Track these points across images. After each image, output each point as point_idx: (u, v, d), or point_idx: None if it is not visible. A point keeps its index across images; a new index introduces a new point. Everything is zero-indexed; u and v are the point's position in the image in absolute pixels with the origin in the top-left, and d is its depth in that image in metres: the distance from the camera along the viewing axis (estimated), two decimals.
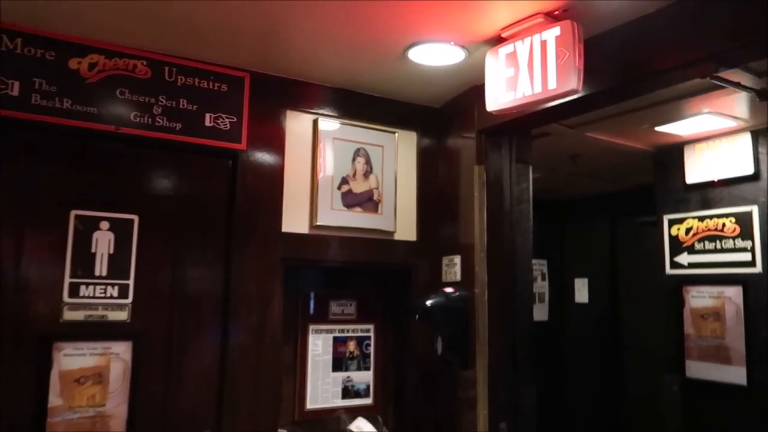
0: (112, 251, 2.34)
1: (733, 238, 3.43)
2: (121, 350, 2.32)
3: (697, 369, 3.57)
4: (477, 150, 2.78)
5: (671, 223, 3.78)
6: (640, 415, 4.93)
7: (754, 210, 3.34)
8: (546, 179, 4.57)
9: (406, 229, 3.00)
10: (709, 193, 3.59)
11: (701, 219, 3.60)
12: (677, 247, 3.73)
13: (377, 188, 2.92)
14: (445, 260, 2.95)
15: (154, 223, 2.44)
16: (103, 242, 2.33)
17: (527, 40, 2.14)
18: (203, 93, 2.53)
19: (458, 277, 2.84)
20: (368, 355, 3.05)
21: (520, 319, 2.84)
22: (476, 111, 2.78)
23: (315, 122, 2.80)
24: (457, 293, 2.77)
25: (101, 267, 2.32)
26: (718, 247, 3.50)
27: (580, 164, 4.22)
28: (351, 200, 2.84)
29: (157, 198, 2.47)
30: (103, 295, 2.31)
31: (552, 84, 2.04)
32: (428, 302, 2.74)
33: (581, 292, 5.55)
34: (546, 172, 4.37)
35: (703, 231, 3.58)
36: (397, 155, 3.00)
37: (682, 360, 3.66)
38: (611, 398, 5.20)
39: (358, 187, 2.87)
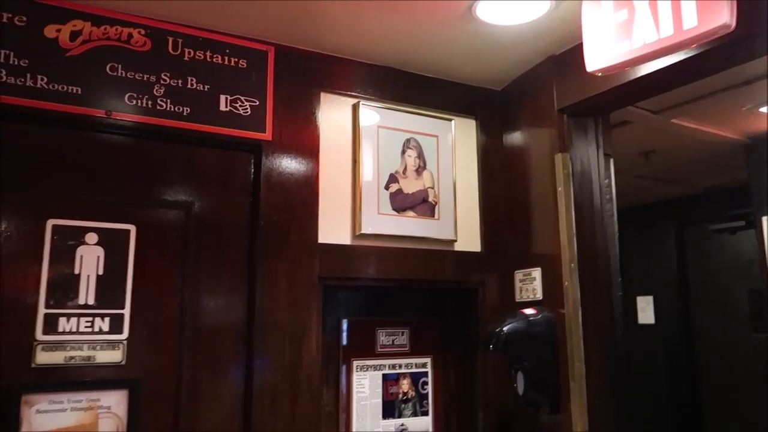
0: (101, 272, 1.80)
1: None
2: (113, 402, 1.75)
3: None
4: (559, 134, 2.21)
5: None
6: None
7: None
8: None
9: (468, 238, 2.43)
10: None
11: None
12: None
13: (432, 187, 2.36)
14: (519, 275, 2.36)
15: (157, 236, 1.90)
16: (89, 260, 1.79)
17: None
18: (217, 70, 2.01)
19: (539, 295, 2.25)
20: (426, 396, 2.45)
21: (618, 347, 2.24)
22: (555, 87, 2.23)
23: (355, 107, 2.26)
24: (540, 315, 2.18)
25: (87, 293, 1.77)
26: None
27: (653, 163, 3.63)
28: (402, 202, 2.28)
29: (160, 203, 1.93)
30: (89, 329, 1.76)
31: (690, 21, 1.48)
32: (505, 328, 2.15)
33: (645, 311, 4.90)
34: None
35: None
36: (455, 147, 2.44)
37: None
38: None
39: (410, 186, 2.32)
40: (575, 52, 2.16)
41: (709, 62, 1.79)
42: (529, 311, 2.21)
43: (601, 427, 2.08)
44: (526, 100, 2.40)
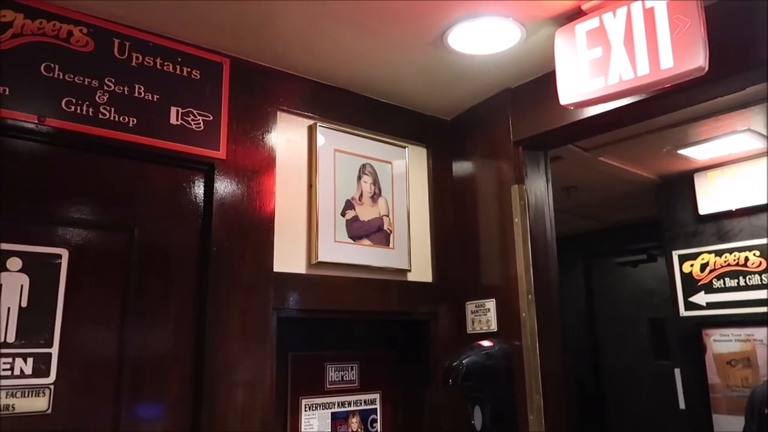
0: (24, 304, 1.53)
1: (760, 273, 3.09)
2: None
3: (728, 424, 3.14)
4: (515, 166, 2.23)
5: (682, 259, 3.41)
6: None
7: None
8: None
9: (421, 268, 2.37)
10: (725, 225, 3.26)
11: (719, 253, 3.26)
12: (692, 285, 3.35)
13: (387, 215, 2.29)
14: (471, 306, 2.34)
15: (93, 262, 1.65)
16: (10, 290, 1.51)
17: (621, 10, 1.65)
18: (168, 79, 1.83)
19: (493, 327, 2.23)
20: None
21: (569, 378, 2.27)
22: (511, 120, 2.27)
23: (312, 129, 2.15)
24: (498, 347, 2.16)
25: (6, 329, 1.49)
26: (742, 283, 3.15)
27: (573, 197, 3.81)
28: (358, 230, 2.18)
29: (98, 225, 1.68)
30: (8, 372, 1.47)
31: (667, 62, 1.55)
32: (465, 361, 2.09)
33: None
34: None
35: (723, 266, 3.23)
36: (409, 174, 2.39)
37: (708, 415, 3.22)
38: None
39: (366, 213, 2.23)
40: (531, 86, 2.22)
41: (665, 103, 1.90)
42: (485, 343, 2.18)
43: None
44: (480, 131, 2.41)
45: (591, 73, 1.70)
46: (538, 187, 2.30)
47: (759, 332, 3.06)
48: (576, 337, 4.94)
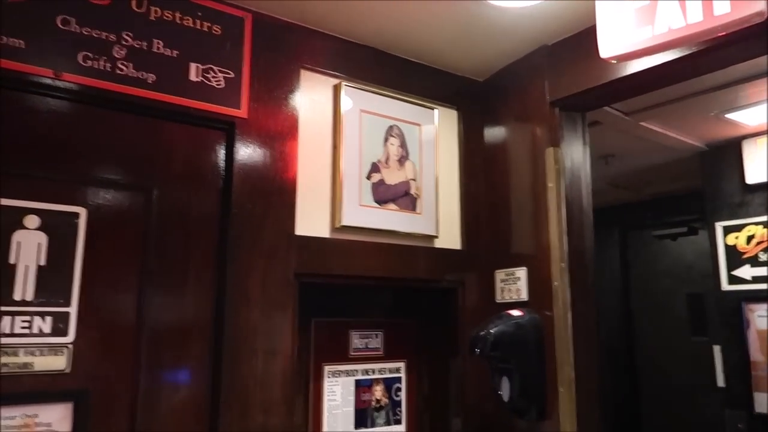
0: (43, 263, 1.50)
1: None
2: (55, 418, 1.47)
3: None
4: (550, 128, 2.12)
5: (727, 230, 3.24)
6: None
7: None
8: None
9: (449, 235, 2.29)
10: None
11: (767, 225, 3.08)
12: (736, 258, 3.18)
13: (414, 179, 2.20)
14: (500, 274, 2.25)
15: (112, 222, 1.62)
16: (28, 248, 1.49)
17: None
18: (188, 34, 1.76)
19: (523, 296, 2.15)
20: (399, 404, 2.28)
21: (603, 351, 2.17)
22: (547, 79, 2.14)
23: (337, 88, 2.06)
24: (527, 317, 2.08)
25: (25, 287, 1.47)
26: None
27: (611, 167, 3.65)
28: (384, 194, 2.11)
29: (117, 184, 1.65)
30: (27, 330, 1.46)
31: (723, 7, 1.41)
32: (493, 330, 2.02)
33: None
34: None
35: None
36: (438, 137, 2.29)
37: (748, 393, 3.08)
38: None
39: (392, 177, 2.15)
40: (569, 43, 2.08)
41: (718, 57, 1.75)
42: (515, 313, 2.10)
43: None
44: (513, 92, 2.29)
45: (636, 23, 1.57)
46: (575, 151, 2.17)
47: None
48: (611, 311, 4.82)
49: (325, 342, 2.15)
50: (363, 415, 2.18)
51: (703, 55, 1.71)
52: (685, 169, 3.58)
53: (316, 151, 2.00)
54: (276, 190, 1.86)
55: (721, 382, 3.39)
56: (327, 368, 2.13)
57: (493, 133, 2.38)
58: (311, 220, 1.94)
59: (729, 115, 2.81)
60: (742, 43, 1.62)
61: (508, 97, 2.32)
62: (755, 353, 3.08)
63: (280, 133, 1.89)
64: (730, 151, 3.22)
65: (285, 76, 1.93)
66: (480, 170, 2.39)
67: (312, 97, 2.01)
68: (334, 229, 1.99)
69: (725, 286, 3.22)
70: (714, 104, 2.72)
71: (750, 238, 3.13)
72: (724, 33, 1.46)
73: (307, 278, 1.91)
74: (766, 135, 3.06)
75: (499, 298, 2.25)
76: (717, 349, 3.43)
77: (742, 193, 3.19)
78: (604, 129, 3.01)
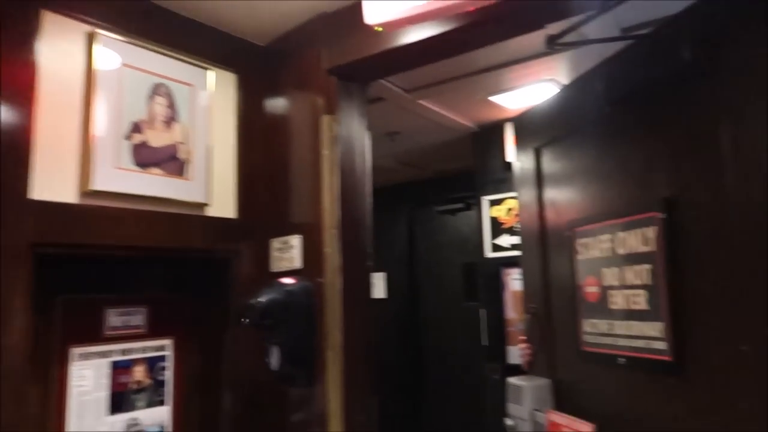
0: None
1: None
2: None
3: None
4: (326, 96, 2.12)
5: (491, 204, 3.61)
6: (447, 408, 4.79)
7: None
8: None
9: (222, 203, 2.18)
10: None
11: None
12: (497, 228, 3.57)
13: (184, 143, 2.05)
14: (275, 243, 2.22)
15: None
16: None
17: None
18: None
19: (297, 264, 2.14)
20: (163, 383, 2.14)
21: (373, 315, 2.26)
22: (324, 46, 2.13)
23: (91, 37, 1.82)
24: (299, 285, 2.07)
25: None
26: None
27: (397, 144, 3.83)
28: (146, 157, 1.92)
29: None
30: None
31: None
32: (262, 299, 1.98)
33: (378, 287, 5.22)
34: None
35: None
36: (212, 100, 2.16)
37: (503, 347, 3.49)
38: (415, 395, 4.97)
39: (157, 139, 1.97)
40: (347, 12, 2.09)
41: (472, 35, 1.88)
42: (287, 281, 2.08)
43: (357, 398, 2.06)
44: (293, 58, 2.25)
45: None
46: (352, 121, 2.21)
47: None
48: (399, 283, 5.11)
49: (75, 322, 1.92)
50: (120, 398, 2.00)
51: (466, 31, 1.82)
52: (462, 149, 3.90)
53: (63, 106, 1.74)
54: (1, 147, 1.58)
55: (485, 340, 3.80)
56: (76, 351, 1.90)
57: (274, 99, 2.32)
58: (53, 184, 1.70)
59: (492, 98, 3.10)
60: (494, 24, 1.76)
61: (289, 64, 2.27)
62: (510, 312, 3.49)
63: (11, 83, 1.61)
64: (495, 132, 3.57)
65: (18, 17, 1.64)
66: (258, 137, 2.31)
67: (57, 45, 1.74)
68: (84, 194, 1.76)
69: (488, 253, 3.59)
70: (480, 87, 2.98)
71: (509, 210, 3.53)
72: (472, 8, 1.57)
73: (48, 249, 1.67)
74: None
75: (274, 268, 2.22)
76: (483, 312, 3.84)
77: (503, 170, 3.57)
78: (387, 105, 3.13)
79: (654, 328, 1.48)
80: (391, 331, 5.10)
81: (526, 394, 1.93)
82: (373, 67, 2.15)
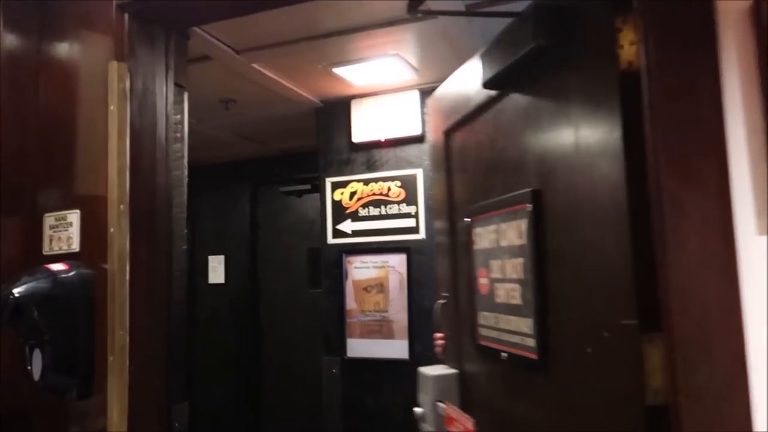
0: None
1: (398, 203, 3.20)
2: None
3: (360, 348, 3.24)
4: (115, 38, 1.69)
5: (335, 186, 3.36)
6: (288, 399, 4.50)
7: (419, 173, 3.17)
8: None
9: None
10: (375, 155, 3.29)
11: (366, 182, 3.28)
12: (341, 213, 3.33)
13: None
14: (49, 219, 1.76)
15: None
16: None
17: None
18: None
19: (75, 246, 1.71)
20: None
21: (175, 310, 1.90)
22: None
23: None
24: (74, 272, 1.65)
25: None
26: (384, 212, 3.23)
27: (234, 115, 3.43)
28: None
29: None
30: None
31: None
32: (16, 290, 1.54)
33: (217, 271, 4.78)
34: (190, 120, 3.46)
35: (369, 195, 3.27)
36: None
37: (342, 339, 3.28)
38: (252, 387, 4.62)
39: None
40: None
41: None
42: (57, 267, 1.64)
43: (149, 409, 1.70)
44: None
45: None
46: (153, 73, 1.80)
47: (392, 259, 3.19)
48: (237, 267, 4.72)
49: None
50: None
51: None
52: (306, 125, 3.60)
53: None
54: None
55: (324, 331, 3.56)
56: None
57: (51, 39, 1.84)
58: None
59: (336, 70, 2.84)
60: None
61: None
62: (350, 302, 3.28)
63: None
64: (340, 108, 3.33)
65: None
66: (30, 84, 1.82)
67: None
68: None
69: (330, 239, 3.35)
70: (322, 55, 2.70)
71: (353, 194, 3.31)
72: None
73: None
74: (371, 97, 3.24)
75: (47, 250, 1.76)
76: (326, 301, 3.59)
77: (349, 151, 3.34)
78: (217, 67, 2.75)
79: (526, 325, 1.32)
80: (229, 319, 4.70)
81: (429, 384, 1.79)
82: (178, 10, 1.77)
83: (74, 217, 1.71)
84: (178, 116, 2.04)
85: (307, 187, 4.44)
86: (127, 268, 1.66)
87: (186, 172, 2.10)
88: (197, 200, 4.88)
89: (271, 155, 4.55)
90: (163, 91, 1.85)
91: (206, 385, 4.56)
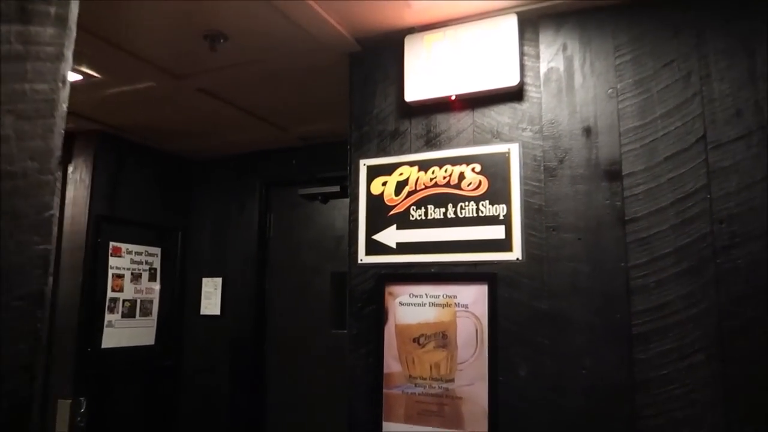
0: None
1: (476, 200, 1.94)
2: None
3: None
4: None
5: (373, 173, 2.12)
6: None
7: (513, 150, 1.91)
8: (159, 91, 2.47)
9: None
10: (440, 122, 2.05)
11: (424, 166, 2.03)
12: (381, 215, 2.08)
13: None
14: None
15: None
16: None
17: None
18: None
19: None
20: None
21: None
22: None
23: None
24: None
25: None
26: (451, 215, 1.97)
27: (223, 59, 2.25)
28: None
29: None
30: None
31: None
32: None
33: (211, 298, 3.57)
34: (156, 72, 2.29)
35: (428, 187, 2.02)
36: None
37: (377, 424, 1.99)
38: None
39: None
40: None
41: None
42: None
43: None
44: None
45: None
46: None
47: (464, 292, 1.91)
48: (241, 296, 3.51)
49: None
50: None
51: None
52: (334, 94, 2.41)
53: None
54: None
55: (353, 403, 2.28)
56: None
57: None
58: None
59: None
60: None
61: None
62: (391, 360, 2.00)
63: None
64: (387, 51, 2.11)
65: None
66: None
67: None
68: None
69: (363, 257, 2.10)
70: None
71: (401, 186, 2.06)
72: None
73: None
74: (437, 30, 2.01)
75: None
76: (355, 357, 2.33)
77: (397, 116, 2.11)
78: None
79: None
80: (222, 367, 3.46)
81: None
82: None
83: None
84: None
85: (335, 189, 3.22)
86: None
87: (59, 151, 0.90)
88: (190, 204, 3.72)
89: (287, 144, 3.37)
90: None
91: None
